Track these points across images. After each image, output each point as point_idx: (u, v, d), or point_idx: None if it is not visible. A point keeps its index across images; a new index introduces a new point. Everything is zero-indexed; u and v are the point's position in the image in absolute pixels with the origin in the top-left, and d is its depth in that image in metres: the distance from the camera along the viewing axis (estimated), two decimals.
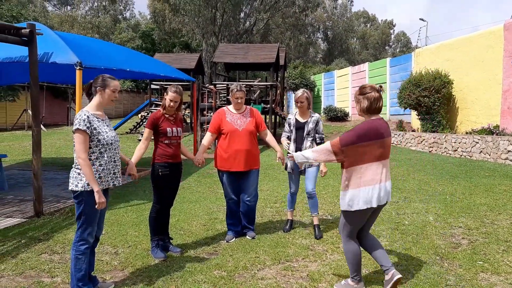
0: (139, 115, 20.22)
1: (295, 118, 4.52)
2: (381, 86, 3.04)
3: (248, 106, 4.45)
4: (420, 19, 37.97)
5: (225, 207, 4.52)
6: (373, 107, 2.96)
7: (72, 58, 5.46)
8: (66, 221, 5.02)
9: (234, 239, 4.33)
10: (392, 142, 12.90)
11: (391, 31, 56.40)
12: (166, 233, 4.02)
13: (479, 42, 11.08)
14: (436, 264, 3.57)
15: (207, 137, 4.36)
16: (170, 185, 3.94)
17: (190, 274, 3.40)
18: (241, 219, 4.44)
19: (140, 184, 7.44)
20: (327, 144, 2.98)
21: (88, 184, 2.91)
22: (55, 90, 23.04)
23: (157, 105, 17.73)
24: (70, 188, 2.97)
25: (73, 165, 3.01)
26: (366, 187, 2.87)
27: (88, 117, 2.94)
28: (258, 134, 4.44)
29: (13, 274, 3.42)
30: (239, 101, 4.26)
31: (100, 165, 2.99)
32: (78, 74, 5.41)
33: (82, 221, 2.97)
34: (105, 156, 3.02)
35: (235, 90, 4.29)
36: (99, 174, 2.99)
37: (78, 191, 2.92)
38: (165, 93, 3.92)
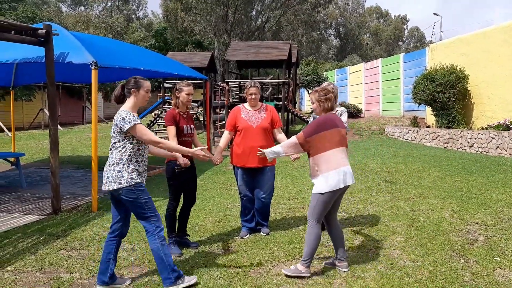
0: (153, 114, 20.40)
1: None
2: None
3: (264, 103, 4.47)
4: (434, 13, 37.34)
5: (239, 204, 4.55)
6: (332, 107, 3.43)
7: (87, 57, 5.53)
8: (83, 218, 5.12)
9: (248, 235, 4.36)
10: (406, 139, 12.82)
11: (404, 26, 55.72)
12: (184, 230, 4.09)
13: (495, 36, 10.86)
14: (453, 260, 3.54)
15: (225, 136, 4.40)
16: (188, 183, 4.01)
17: (206, 270, 3.44)
18: (255, 216, 4.46)
19: (154, 181, 7.52)
20: (293, 138, 3.39)
21: (131, 178, 3.02)
22: (70, 89, 23.39)
23: (170, 104, 17.86)
24: (111, 188, 3.03)
25: (107, 165, 3.09)
26: (333, 170, 3.23)
27: (133, 115, 3.07)
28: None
29: (32, 269, 3.51)
30: (253, 96, 4.28)
31: (137, 162, 3.11)
32: (94, 74, 5.49)
33: (146, 211, 3.08)
34: (144, 154, 3.18)
35: (249, 86, 4.31)
36: (138, 170, 3.10)
37: (123, 187, 3.02)
38: (176, 92, 3.95)
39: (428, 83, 11.47)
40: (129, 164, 3.07)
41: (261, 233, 4.39)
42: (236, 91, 17.53)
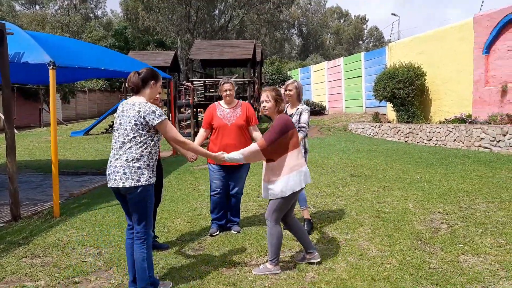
0: (114, 115, 19.86)
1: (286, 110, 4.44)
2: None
3: (240, 101, 4.44)
4: (392, 13, 38.67)
5: (208, 204, 4.51)
6: (284, 108, 3.42)
7: (44, 57, 5.29)
8: (45, 224, 4.89)
9: (218, 232, 4.33)
10: (369, 134, 13.19)
11: (364, 26, 57.28)
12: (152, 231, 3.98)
13: (451, 35, 11.38)
14: (418, 248, 3.67)
15: (200, 133, 4.35)
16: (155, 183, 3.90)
17: (178, 271, 3.38)
18: (226, 213, 4.44)
19: None
20: (254, 146, 3.26)
21: (150, 177, 2.88)
22: (26, 91, 22.30)
23: None
24: (127, 185, 2.82)
25: (123, 160, 2.86)
26: (294, 171, 3.24)
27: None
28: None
29: None
30: (228, 93, 4.26)
31: (154, 160, 2.97)
32: (52, 74, 5.26)
33: (147, 215, 2.94)
34: (157, 152, 3.03)
35: (223, 83, 4.30)
36: (154, 170, 2.96)
37: (140, 186, 2.84)
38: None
39: (388, 80, 11.85)
40: (149, 161, 2.90)
41: (232, 231, 4.37)
42: (201, 90, 17.37)
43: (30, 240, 4.27)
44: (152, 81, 3.02)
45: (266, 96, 3.36)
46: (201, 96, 17.52)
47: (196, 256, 3.72)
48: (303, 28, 53.14)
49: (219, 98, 4.49)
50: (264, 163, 3.36)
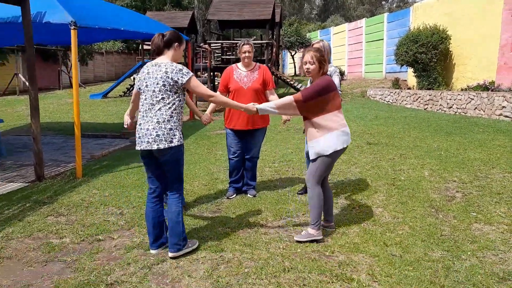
0: (132, 78, 19.93)
1: None
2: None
3: (258, 64, 4.38)
4: None
5: (225, 168, 4.60)
6: (328, 69, 3.30)
7: (66, 17, 5.27)
8: (68, 184, 5.09)
9: (234, 195, 4.46)
10: (387, 101, 12.96)
11: None
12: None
13: None
14: (432, 216, 3.72)
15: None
16: None
17: (196, 231, 3.52)
18: (243, 176, 4.54)
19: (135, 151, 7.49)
20: (289, 98, 3.15)
21: (181, 137, 2.97)
22: (45, 52, 22.44)
23: None
24: (161, 147, 2.87)
25: (154, 122, 2.89)
26: (337, 130, 3.15)
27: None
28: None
29: (21, 236, 3.51)
30: (247, 55, 4.21)
31: (181, 119, 3.03)
32: (73, 34, 5.26)
33: (180, 173, 3.05)
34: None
35: (242, 44, 4.24)
36: (180, 129, 3.01)
37: (174, 146, 2.91)
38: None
39: (411, 43, 11.48)
40: (179, 122, 2.96)
41: (248, 195, 4.48)
42: (218, 53, 17.18)
43: (55, 200, 4.47)
44: (176, 43, 3.03)
45: (311, 57, 3.19)
46: (218, 59, 17.34)
47: (213, 218, 3.86)
48: None
49: (237, 61, 4.45)
50: (304, 122, 3.30)
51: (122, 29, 6.39)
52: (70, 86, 22.36)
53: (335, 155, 3.19)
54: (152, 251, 3.14)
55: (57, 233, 3.57)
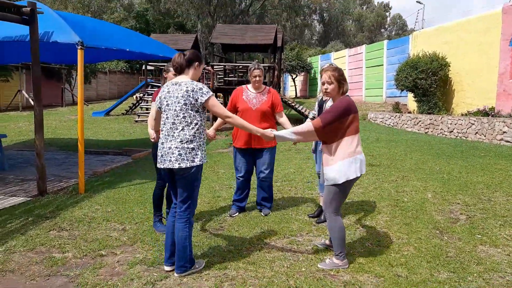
0: (134, 97, 20.10)
1: (321, 96, 4.24)
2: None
3: (268, 87, 4.48)
4: (416, 1, 37.64)
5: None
6: (347, 89, 3.17)
7: (73, 37, 5.40)
8: (70, 199, 5.08)
9: (237, 213, 4.44)
10: (388, 124, 13.06)
11: (387, 13, 55.92)
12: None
13: (477, 25, 11.09)
14: (436, 237, 3.70)
15: None
16: None
17: (199, 248, 3.49)
18: (247, 196, 4.55)
19: (141, 164, 7.49)
20: (309, 126, 3.01)
21: (203, 157, 2.97)
22: (49, 70, 22.70)
23: (153, 86, 17.61)
24: (183, 166, 2.88)
25: (177, 141, 2.91)
26: (351, 157, 3.02)
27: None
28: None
29: (24, 250, 3.49)
30: (257, 79, 4.30)
31: (204, 138, 3.05)
32: (80, 54, 5.38)
33: (194, 194, 3.03)
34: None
35: (253, 68, 4.32)
36: (204, 148, 3.02)
37: (194, 166, 2.92)
38: (164, 72, 3.95)
39: (411, 69, 11.67)
40: (201, 141, 2.98)
41: (262, 213, 4.45)
42: (220, 74, 17.38)
43: (57, 214, 4.45)
44: (197, 63, 3.08)
45: (328, 77, 3.09)
46: (221, 80, 17.55)
47: (216, 235, 3.83)
48: (324, 14, 52.18)
49: (239, 83, 4.53)
50: (321, 144, 3.21)
51: (127, 49, 6.51)
52: (73, 104, 22.53)
53: (348, 184, 3.08)
54: (166, 268, 3.10)
55: (59, 247, 3.55)
